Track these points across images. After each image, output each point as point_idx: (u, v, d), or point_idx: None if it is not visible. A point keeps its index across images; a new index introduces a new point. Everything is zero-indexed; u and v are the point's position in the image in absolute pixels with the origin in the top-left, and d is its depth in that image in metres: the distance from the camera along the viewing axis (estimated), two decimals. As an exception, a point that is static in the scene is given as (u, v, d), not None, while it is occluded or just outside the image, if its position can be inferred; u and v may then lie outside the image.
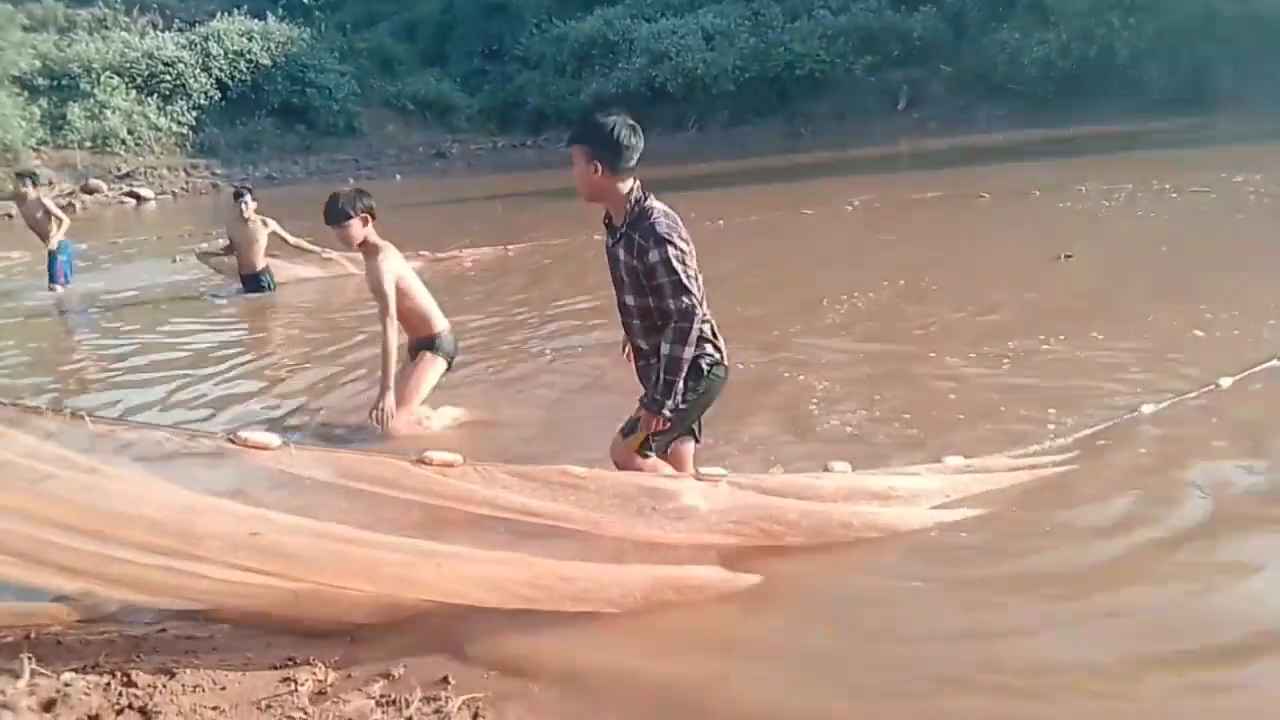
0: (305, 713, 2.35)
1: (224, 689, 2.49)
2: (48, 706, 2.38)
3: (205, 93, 27.81)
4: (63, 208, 10.84)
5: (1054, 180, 12.35)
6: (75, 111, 25.96)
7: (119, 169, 25.82)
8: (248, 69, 28.63)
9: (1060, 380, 4.71)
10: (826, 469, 3.16)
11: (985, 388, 4.74)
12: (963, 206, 11.37)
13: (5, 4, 29.90)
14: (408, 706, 2.38)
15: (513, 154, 29.85)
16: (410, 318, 4.56)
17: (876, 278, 7.36)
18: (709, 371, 3.08)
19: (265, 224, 9.00)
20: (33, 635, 2.79)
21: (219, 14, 30.45)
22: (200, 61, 28.13)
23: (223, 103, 28.32)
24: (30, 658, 2.55)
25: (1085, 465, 3.62)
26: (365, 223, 4.39)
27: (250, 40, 29.08)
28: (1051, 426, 4.03)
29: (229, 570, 2.47)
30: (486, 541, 2.68)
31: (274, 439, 2.49)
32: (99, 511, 2.48)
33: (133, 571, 2.59)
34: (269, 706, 2.39)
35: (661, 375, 2.95)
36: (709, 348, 3.07)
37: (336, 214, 4.37)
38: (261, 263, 9.21)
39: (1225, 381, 4.31)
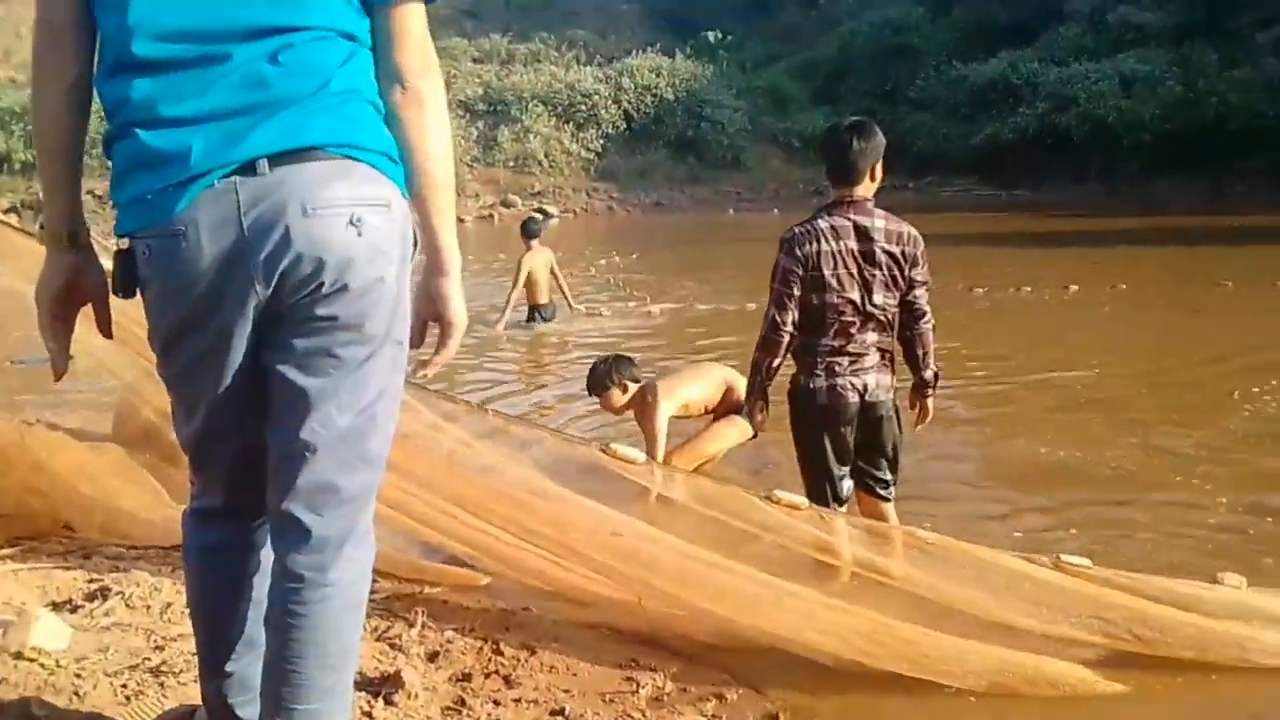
0: (644, 714, 2.50)
1: (575, 675, 2.70)
2: (431, 657, 2.73)
3: (613, 123, 30.42)
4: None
5: None
6: (504, 134, 29.54)
7: (533, 187, 29.01)
8: (652, 102, 30.91)
9: None
10: (1216, 580, 2.79)
11: None
12: None
13: (461, 39, 34.83)
14: (735, 732, 2.45)
15: (889, 195, 28.76)
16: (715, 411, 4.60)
17: None
18: (796, 392, 3.21)
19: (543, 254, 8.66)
20: (424, 591, 3.22)
21: (634, 51, 33.22)
22: (613, 94, 30.83)
23: (626, 133, 30.83)
24: (423, 611, 2.96)
25: None
26: (624, 390, 4.50)
27: (658, 76, 31.38)
28: None
29: (589, 565, 2.70)
30: (825, 589, 2.69)
31: (639, 455, 2.69)
32: (491, 491, 2.82)
33: (509, 551, 2.93)
34: (611, 701, 2.57)
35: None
36: (800, 371, 3.19)
37: (595, 383, 4.57)
38: (545, 296, 8.82)
39: None
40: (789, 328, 3.07)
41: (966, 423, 5.64)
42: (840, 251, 3.04)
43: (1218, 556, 3.54)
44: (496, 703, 2.44)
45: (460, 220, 12.78)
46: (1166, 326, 8.74)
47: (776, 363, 3.14)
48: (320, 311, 1.48)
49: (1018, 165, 27.83)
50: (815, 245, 3.03)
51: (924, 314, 3.24)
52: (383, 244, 1.51)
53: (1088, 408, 5.75)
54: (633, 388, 4.49)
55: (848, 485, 3.25)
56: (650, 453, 4.32)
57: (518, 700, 2.48)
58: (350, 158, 1.49)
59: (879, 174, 3.12)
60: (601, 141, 30.43)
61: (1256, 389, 5.92)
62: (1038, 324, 9.09)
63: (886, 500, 3.32)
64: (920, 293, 3.20)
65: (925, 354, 3.29)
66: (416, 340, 1.68)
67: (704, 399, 4.55)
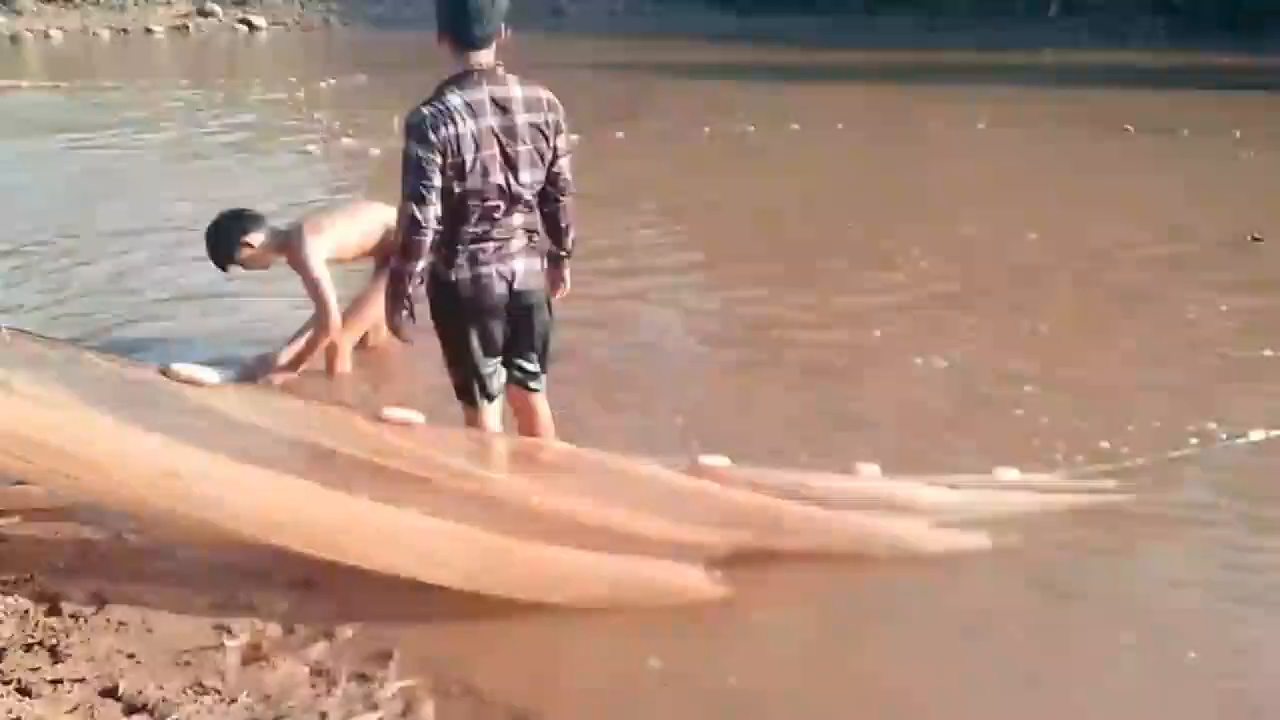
0: (223, 678, 2.18)
1: (150, 631, 2.34)
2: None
3: (329, -79, 27.26)
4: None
5: (1211, 119, 10.95)
6: (200, -70, 25.79)
7: (237, -8, 25.77)
8: (371, -102, 27.85)
9: (1181, 391, 4.00)
10: (852, 470, 2.80)
11: (1084, 392, 3.96)
12: (1106, 141, 9.94)
13: None
14: (335, 687, 2.19)
15: (629, 16, 28.71)
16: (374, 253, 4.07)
17: (981, 230, 6.42)
18: (436, 283, 2.78)
19: None
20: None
21: None
22: (325, -113, 27.45)
23: (344, -70, 27.77)
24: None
25: (1157, 495, 3.13)
26: (263, 236, 3.82)
27: None
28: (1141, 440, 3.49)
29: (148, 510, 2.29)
30: (435, 509, 2.41)
31: (211, 375, 2.26)
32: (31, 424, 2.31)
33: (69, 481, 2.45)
34: (188, 664, 2.23)
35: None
36: (439, 260, 2.74)
37: (224, 241, 3.75)
38: None
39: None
40: (433, 224, 2.65)
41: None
42: (480, 131, 2.64)
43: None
44: (25, 691, 2.03)
45: (149, 30, 11.53)
46: (877, 171, 8.85)
47: (422, 265, 2.71)
48: None
49: (755, -8, 27.77)
50: (452, 128, 2.59)
51: (568, 184, 2.93)
52: None
53: (800, 268, 5.75)
54: (271, 235, 3.86)
55: (498, 379, 2.98)
56: (320, 305, 3.77)
57: (58, 681, 2.08)
58: None
59: (505, 35, 2.70)
60: (316, -56, 27.31)
61: (917, 249, 5.93)
62: (750, 168, 8.92)
63: (537, 391, 3.07)
64: (564, 163, 2.88)
65: (569, 225, 3.01)
66: None
67: (360, 240, 4.01)
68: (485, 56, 2.66)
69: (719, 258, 6.10)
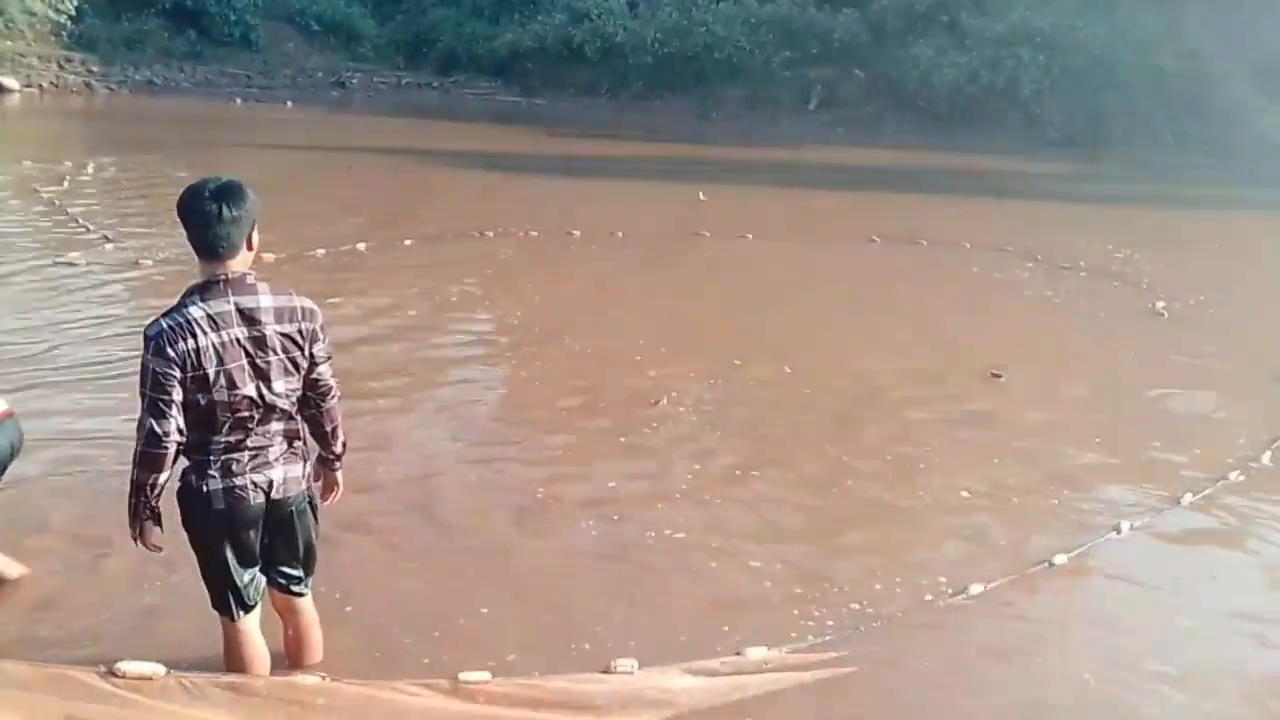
0: None
1: None
2: None
3: (90, -20, 25.74)
4: None
5: (949, 226, 12.05)
6: (-64, -19, 23.67)
7: (-18, 52, 23.71)
8: (141, -40, 26.59)
9: (917, 547, 4.40)
10: (608, 670, 2.95)
11: (840, 552, 4.29)
12: (857, 256, 10.61)
13: None
14: None
15: (416, 93, 28.75)
16: None
17: (740, 361, 6.63)
18: (187, 492, 2.76)
19: None
20: None
21: (112, -107, 28.13)
22: (88, -56, 25.97)
23: (109, -7, 26.29)
24: None
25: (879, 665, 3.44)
26: None
27: (146, -72, 26.98)
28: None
29: None
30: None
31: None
32: None
33: None
34: None
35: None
36: (191, 469, 2.74)
37: None
38: None
39: (1061, 558, 4.19)
40: (174, 436, 2.61)
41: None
42: (225, 343, 2.63)
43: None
44: None
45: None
46: (655, 295, 8.82)
47: (163, 478, 2.67)
48: None
49: (538, 74, 28.57)
50: (191, 341, 2.57)
51: (329, 389, 2.93)
52: None
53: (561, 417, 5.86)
54: None
55: (256, 588, 2.92)
56: None
57: None
58: None
59: (255, 242, 2.73)
60: (76, 2, 25.62)
61: (676, 392, 6.00)
62: (530, 287, 8.71)
63: (300, 595, 3.05)
64: (324, 369, 2.89)
65: (335, 428, 3.01)
66: None
67: None
68: (232, 264, 2.67)
69: (492, 412, 5.96)
